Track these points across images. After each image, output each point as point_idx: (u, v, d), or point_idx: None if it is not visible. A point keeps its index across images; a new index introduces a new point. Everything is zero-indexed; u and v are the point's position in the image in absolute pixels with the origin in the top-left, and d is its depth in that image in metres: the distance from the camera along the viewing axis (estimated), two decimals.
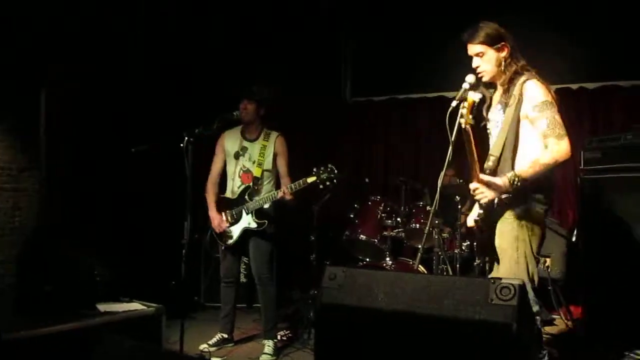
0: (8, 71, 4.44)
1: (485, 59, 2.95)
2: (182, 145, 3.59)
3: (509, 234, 2.82)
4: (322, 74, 6.38)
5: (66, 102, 4.87)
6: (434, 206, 3.08)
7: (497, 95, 3.06)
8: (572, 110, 5.19)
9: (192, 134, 3.63)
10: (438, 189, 3.04)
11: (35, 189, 4.74)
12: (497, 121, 2.98)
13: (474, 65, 2.99)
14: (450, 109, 2.94)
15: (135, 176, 5.14)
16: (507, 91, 2.93)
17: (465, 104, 2.58)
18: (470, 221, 3.11)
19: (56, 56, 4.71)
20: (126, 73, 5.24)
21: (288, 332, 4.60)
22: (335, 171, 3.81)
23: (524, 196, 2.81)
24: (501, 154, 2.86)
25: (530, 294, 2.73)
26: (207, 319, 5.02)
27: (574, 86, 5.54)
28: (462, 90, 2.97)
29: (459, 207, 4.42)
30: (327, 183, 3.79)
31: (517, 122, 2.85)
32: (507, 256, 2.82)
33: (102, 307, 3.58)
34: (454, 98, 2.91)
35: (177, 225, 4.50)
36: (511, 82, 2.92)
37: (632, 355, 3.81)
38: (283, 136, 4.30)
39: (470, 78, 2.99)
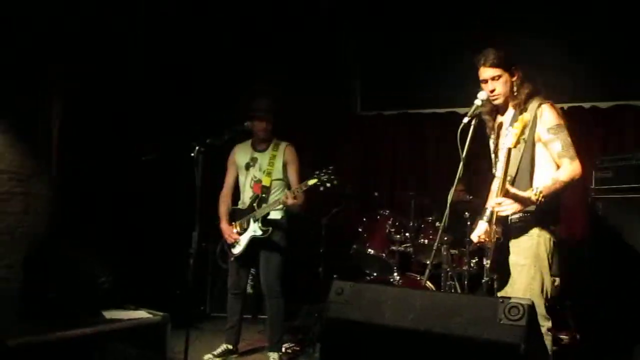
0: (15, 77, 4.47)
1: (500, 82, 2.99)
2: (192, 155, 3.60)
3: (527, 250, 2.87)
4: (331, 87, 6.35)
5: (73, 107, 4.88)
6: (443, 222, 3.07)
7: (507, 118, 3.10)
8: (584, 129, 5.15)
9: (202, 144, 3.64)
10: (448, 205, 3.03)
11: (44, 194, 4.77)
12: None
13: (489, 88, 3.02)
14: (462, 125, 2.97)
15: (144, 183, 5.14)
16: (520, 114, 2.90)
17: (518, 125, 2.65)
18: (475, 237, 3.13)
19: (60, 60, 4.74)
20: (129, 75, 5.25)
21: (293, 345, 4.56)
22: (336, 174, 3.80)
23: (542, 214, 2.85)
24: (516, 175, 2.89)
25: (542, 311, 2.77)
26: (212, 329, 5.00)
27: (586, 105, 5.51)
28: (474, 106, 3.03)
29: (468, 223, 4.39)
30: (328, 184, 3.78)
31: (532, 144, 2.90)
32: (524, 272, 2.86)
33: (107, 314, 3.57)
34: (465, 114, 2.99)
35: (185, 233, 4.52)
36: (524, 104, 2.96)
37: None
38: (293, 146, 4.31)
39: (482, 95, 3.04)
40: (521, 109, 2.94)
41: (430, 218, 4.82)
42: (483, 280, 4.22)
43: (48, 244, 4.37)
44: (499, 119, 3.19)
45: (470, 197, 4.64)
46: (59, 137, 4.79)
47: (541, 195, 2.68)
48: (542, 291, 2.82)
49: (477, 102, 3.02)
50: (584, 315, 4.56)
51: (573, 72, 5.32)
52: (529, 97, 2.96)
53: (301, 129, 5.77)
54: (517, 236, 2.93)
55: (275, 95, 4.42)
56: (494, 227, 2.91)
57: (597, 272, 4.37)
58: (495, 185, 3.28)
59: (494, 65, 2.97)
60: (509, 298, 1.98)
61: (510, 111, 3.08)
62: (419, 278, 4.56)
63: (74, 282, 3.62)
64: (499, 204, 2.74)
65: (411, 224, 4.71)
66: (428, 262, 4.64)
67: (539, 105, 2.90)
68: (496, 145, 3.20)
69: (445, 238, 4.24)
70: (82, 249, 4.43)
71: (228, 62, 5.95)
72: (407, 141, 6.26)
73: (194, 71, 5.79)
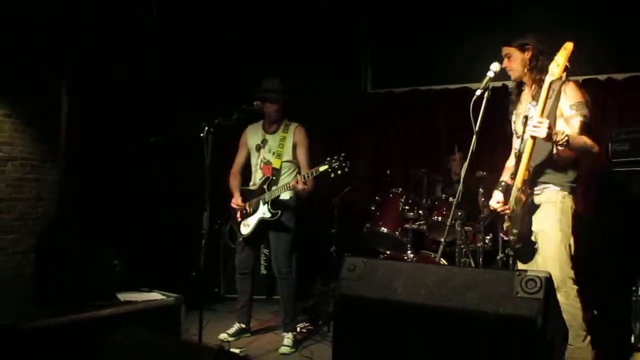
0: (28, 64, 4.48)
1: (512, 60, 3.15)
2: (202, 135, 3.57)
3: (552, 217, 2.97)
4: (342, 65, 6.28)
5: (86, 93, 4.89)
6: (456, 198, 3.04)
7: (527, 94, 3.23)
8: (600, 102, 5.05)
9: (211, 124, 3.61)
10: (461, 180, 3.00)
11: (55, 180, 4.79)
12: (531, 116, 2.98)
13: (505, 65, 3.16)
14: (475, 97, 2.95)
15: (155, 166, 5.14)
16: (539, 87, 3.03)
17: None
18: (493, 203, 3.20)
19: (68, 50, 4.74)
20: (142, 66, 5.23)
21: (307, 324, 4.57)
22: (347, 160, 3.76)
23: (563, 180, 3.01)
24: (533, 147, 2.90)
25: (571, 274, 2.94)
26: (226, 310, 5.02)
27: (602, 77, 5.39)
28: (486, 78, 3.02)
29: (482, 199, 4.33)
30: (339, 171, 3.74)
31: (554, 117, 2.98)
32: (552, 239, 2.96)
33: (122, 296, 3.58)
34: (477, 88, 3.05)
35: (197, 215, 4.51)
36: (542, 79, 2.97)
37: None
38: (303, 127, 4.26)
39: (495, 66, 3.04)
40: (541, 82, 2.95)
41: (444, 195, 4.76)
42: (498, 257, 4.17)
43: (60, 229, 4.39)
44: (521, 95, 3.28)
45: (484, 173, 4.57)
46: (67, 123, 4.80)
47: (565, 138, 2.72)
48: (569, 256, 2.94)
49: (490, 74, 3.06)
50: (600, 291, 4.51)
51: (588, 43, 5.19)
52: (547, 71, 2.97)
53: (312, 108, 5.70)
54: (540, 204, 3.02)
55: (280, 79, 4.36)
56: (517, 193, 2.96)
57: (613, 246, 4.32)
58: (512, 161, 3.27)
59: (507, 45, 3.16)
60: (525, 271, 1.93)
61: (528, 87, 3.21)
62: (432, 256, 4.53)
63: (87, 266, 3.61)
64: (541, 122, 2.72)
65: (424, 202, 4.67)
66: (442, 240, 4.65)
67: (563, 82, 2.97)
68: (516, 118, 3.28)
69: (460, 214, 4.18)
70: (95, 233, 4.45)
71: (242, 54, 5.90)
72: (418, 118, 6.18)
73: (202, 52, 5.75)
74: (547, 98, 2.84)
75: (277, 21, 6.00)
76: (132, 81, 5.14)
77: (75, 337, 3.00)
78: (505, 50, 3.18)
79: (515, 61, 3.14)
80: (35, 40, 4.51)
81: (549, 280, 1.91)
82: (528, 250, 3.04)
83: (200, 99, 5.46)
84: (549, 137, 2.72)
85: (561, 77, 2.91)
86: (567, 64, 2.80)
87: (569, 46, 2.82)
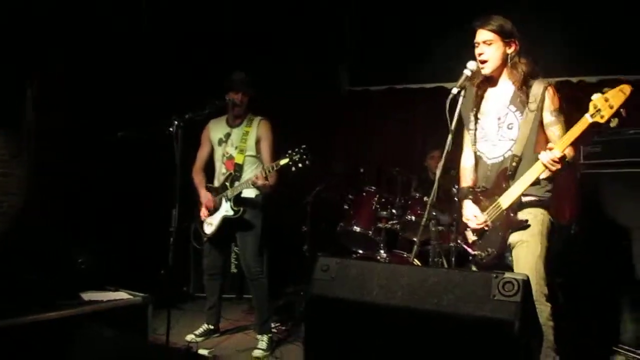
0: None
1: (491, 48, 2.87)
2: (171, 129, 3.47)
3: (533, 228, 2.81)
4: (318, 62, 6.23)
5: (55, 88, 4.76)
6: (431, 197, 2.96)
7: (500, 92, 2.98)
8: (571, 104, 5.07)
9: (182, 119, 3.51)
10: (436, 179, 2.95)
11: (23, 176, 4.64)
12: (509, 123, 2.91)
13: (478, 52, 2.91)
14: (451, 95, 2.88)
15: (124, 163, 5.00)
16: (521, 92, 2.86)
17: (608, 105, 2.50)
18: (470, 216, 3.01)
19: (44, 42, 4.60)
20: (119, 60, 5.10)
21: (279, 324, 4.49)
22: (308, 153, 3.66)
23: (541, 192, 2.86)
24: (522, 154, 2.84)
25: (545, 291, 2.77)
26: (195, 309, 4.91)
27: (574, 79, 5.44)
28: (463, 76, 2.93)
29: (456, 199, 4.30)
30: (300, 164, 3.64)
31: (539, 123, 2.84)
32: (530, 250, 2.79)
33: (87, 295, 3.45)
34: (453, 87, 2.90)
35: (166, 212, 4.40)
36: (525, 83, 2.85)
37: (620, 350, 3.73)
38: (267, 120, 4.15)
39: (471, 65, 2.95)
40: (519, 86, 2.85)
41: (417, 194, 4.73)
42: (470, 257, 4.14)
43: (24, 224, 4.24)
44: (488, 92, 3.04)
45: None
46: (36, 118, 4.66)
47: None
48: (545, 270, 2.77)
49: (467, 71, 2.92)
50: (574, 292, 4.54)
51: (561, 45, 5.27)
52: (532, 76, 2.86)
53: (288, 106, 5.64)
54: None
55: (259, 72, 4.27)
56: (498, 213, 2.86)
57: (587, 248, 4.33)
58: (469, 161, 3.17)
59: (489, 29, 2.85)
60: (503, 273, 1.89)
61: (504, 86, 2.97)
62: (405, 255, 4.50)
63: (51, 263, 3.48)
64: (560, 158, 2.59)
65: (398, 200, 4.63)
66: (415, 239, 4.61)
67: (546, 87, 2.81)
68: (476, 117, 3.04)
69: (434, 214, 4.15)
70: (62, 229, 4.32)
71: (212, 39, 5.79)
72: (394, 117, 6.17)
73: (177, 49, 5.63)
74: (580, 136, 2.56)
75: (253, 19, 5.92)
76: (101, 75, 5.01)
77: (36, 338, 2.88)
78: (485, 34, 2.85)
79: (497, 51, 2.85)
80: (5, 35, 4.36)
81: (526, 282, 1.87)
82: (498, 263, 2.90)
83: (173, 94, 5.33)
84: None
85: (549, 84, 2.83)
86: (622, 110, 2.51)
87: (627, 90, 2.50)
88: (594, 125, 2.55)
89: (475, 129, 3.06)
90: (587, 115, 2.55)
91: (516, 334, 1.78)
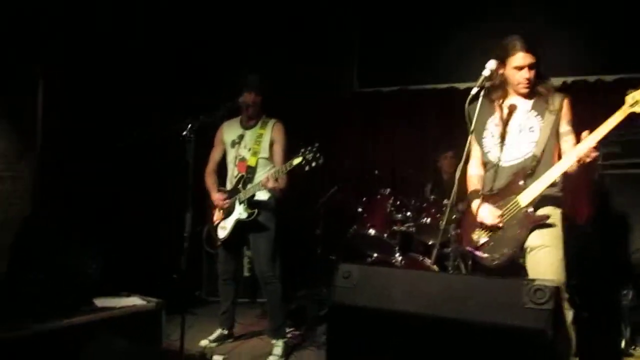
0: (4, 61, 4.30)
1: (534, 70, 2.89)
2: (185, 133, 3.42)
3: (551, 232, 2.80)
4: (329, 64, 6.18)
5: (64, 88, 4.72)
6: (451, 200, 2.90)
7: (522, 102, 2.98)
8: (589, 103, 5.00)
9: (195, 121, 3.46)
10: (456, 181, 2.88)
11: (31, 178, 4.61)
12: (530, 126, 2.93)
13: (524, 76, 2.89)
14: (470, 96, 2.84)
15: (137, 165, 4.96)
16: (541, 100, 2.92)
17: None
18: (493, 218, 2.92)
19: (53, 42, 4.56)
20: (124, 61, 5.06)
21: (293, 329, 4.43)
22: (321, 151, 3.57)
23: (554, 192, 2.86)
24: (541, 155, 2.85)
25: (566, 296, 2.70)
26: (208, 314, 4.84)
27: (591, 78, 5.36)
28: (482, 77, 2.90)
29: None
30: (313, 163, 3.56)
31: (556, 129, 2.89)
32: (551, 255, 2.77)
33: (100, 302, 3.41)
34: (465, 89, 2.89)
35: (179, 217, 4.35)
36: (548, 92, 2.91)
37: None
38: (281, 123, 4.09)
39: (491, 64, 2.91)
40: (547, 98, 2.90)
41: (432, 196, 4.66)
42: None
43: (34, 230, 4.21)
44: (510, 99, 3.01)
45: None
46: (44, 120, 4.63)
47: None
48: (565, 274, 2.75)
49: (486, 72, 2.89)
50: (590, 294, 4.46)
51: (577, 45, 5.21)
52: (551, 87, 2.94)
53: (299, 108, 5.59)
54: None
55: (269, 73, 4.22)
56: (517, 211, 2.83)
57: (603, 248, 4.26)
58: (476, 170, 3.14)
59: (533, 53, 2.86)
60: (533, 280, 1.83)
61: (528, 95, 2.96)
62: (421, 259, 4.41)
63: (62, 269, 3.44)
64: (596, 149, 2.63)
65: (413, 203, 4.56)
66: (431, 242, 4.54)
67: (564, 98, 2.89)
68: (505, 126, 2.98)
69: (454, 217, 4.05)
70: (74, 233, 4.27)
71: (228, 52, 5.74)
72: (406, 118, 6.10)
73: (187, 52, 5.59)
74: (615, 127, 2.64)
75: (263, 21, 5.89)
76: (112, 77, 4.97)
77: (47, 347, 2.83)
78: (530, 59, 2.86)
79: (535, 73, 2.89)
80: (12, 36, 4.32)
81: (557, 289, 1.81)
82: (509, 266, 2.81)
83: (184, 98, 5.30)
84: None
85: (566, 96, 2.90)
86: None
87: None
88: (631, 116, 2.64)
89: (491, 136, 3.04)
90: (625, 106, 2.63)
91: (549, 343, 1.72)
